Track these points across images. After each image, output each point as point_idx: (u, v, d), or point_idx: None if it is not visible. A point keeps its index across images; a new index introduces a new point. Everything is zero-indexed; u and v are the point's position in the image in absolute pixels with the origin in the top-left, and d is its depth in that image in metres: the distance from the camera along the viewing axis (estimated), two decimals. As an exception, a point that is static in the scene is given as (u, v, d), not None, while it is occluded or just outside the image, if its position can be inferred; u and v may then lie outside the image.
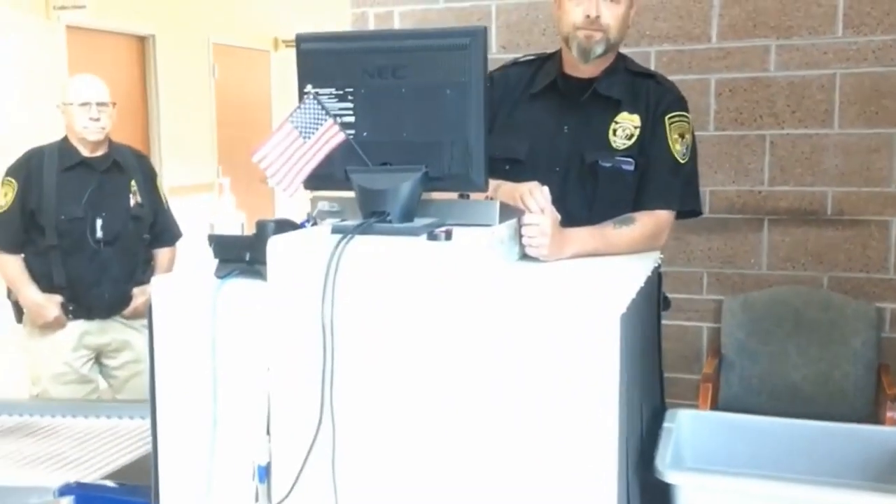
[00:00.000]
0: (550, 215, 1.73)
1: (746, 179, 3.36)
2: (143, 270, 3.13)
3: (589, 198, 2.01)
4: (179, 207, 4.66)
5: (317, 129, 1.50)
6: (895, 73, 3.17)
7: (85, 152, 3.04)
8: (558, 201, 1.81)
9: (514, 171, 1.99)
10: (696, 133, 3.30)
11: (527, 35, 3.50)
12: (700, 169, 3.29)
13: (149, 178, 3.22)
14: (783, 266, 3.34)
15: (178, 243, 3.35)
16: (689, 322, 3.42)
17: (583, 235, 1.84)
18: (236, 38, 8.04)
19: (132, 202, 3.10)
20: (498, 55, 3.39)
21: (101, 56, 6.57)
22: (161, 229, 3.24)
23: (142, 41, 7.10)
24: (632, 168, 1.99)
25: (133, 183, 3.11)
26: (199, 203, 7.37)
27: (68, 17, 6.14)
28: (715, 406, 3.14)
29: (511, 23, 3.56)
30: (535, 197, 1.75)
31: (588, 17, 1.94)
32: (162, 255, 3.24)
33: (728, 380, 3.29)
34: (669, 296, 3.30)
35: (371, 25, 3.74)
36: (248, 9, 8.04)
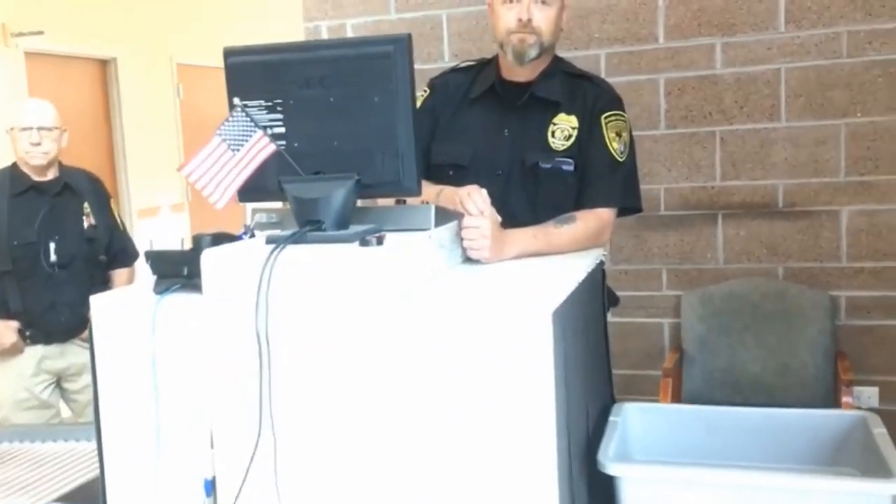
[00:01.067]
0: (490, 217, 1.75)
1: (699, 176, 3.40)
2: (100, 292, 3.10)
3: (532, 199, 2.03)
4: (147, 229, 4.63)
5: (246, 141, 1.52)
6: (838, 65, 3.22)
7: (34, 177, 3.03)
8: (502, 204, 1.83)
9: (458, 175, 2.02)
10: (648, 132, 3.39)
11: (478, 42, 3.53)
12: (653, 167, 3.38)
13: (102, 200, 3.21)
14: (739, 259, 3.38)
15: (138, 264, 3.33)
16: (649, 318, 3.45)
17: (524, 236, 1.85)
18: (200, 57, 8.00)
19: (86, 224, 3.08)
20: (450, 63, 3.41)
21: (63, 81, 6.52)
22: (117, 250, 3.23)
23: (104, 64, 7.05)
24: (571, 168, 2.02)
25: (86, 205, 3.10)
26: (170, 224, 7.32)
27: (26, 43, 6.08)
28: (678, 400, 3.16)
29: (462, 31, 3.60)
30: (474, 199, 1.75)
31: (520, 20, 1.97)
32: (119, 276, 3.22)
33: (690, 374, 3.31)
34: (630, 293, 3.36)
35: (325, 37, 3.76)
36: (210, 27, 8.01)
